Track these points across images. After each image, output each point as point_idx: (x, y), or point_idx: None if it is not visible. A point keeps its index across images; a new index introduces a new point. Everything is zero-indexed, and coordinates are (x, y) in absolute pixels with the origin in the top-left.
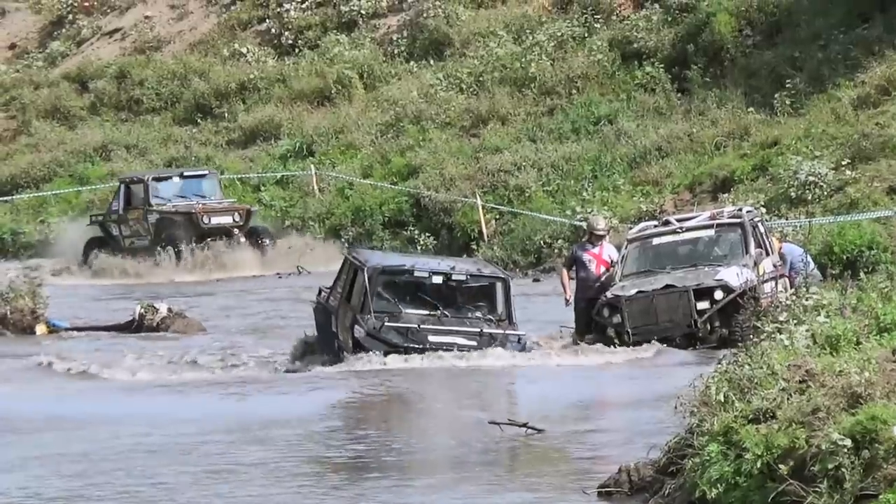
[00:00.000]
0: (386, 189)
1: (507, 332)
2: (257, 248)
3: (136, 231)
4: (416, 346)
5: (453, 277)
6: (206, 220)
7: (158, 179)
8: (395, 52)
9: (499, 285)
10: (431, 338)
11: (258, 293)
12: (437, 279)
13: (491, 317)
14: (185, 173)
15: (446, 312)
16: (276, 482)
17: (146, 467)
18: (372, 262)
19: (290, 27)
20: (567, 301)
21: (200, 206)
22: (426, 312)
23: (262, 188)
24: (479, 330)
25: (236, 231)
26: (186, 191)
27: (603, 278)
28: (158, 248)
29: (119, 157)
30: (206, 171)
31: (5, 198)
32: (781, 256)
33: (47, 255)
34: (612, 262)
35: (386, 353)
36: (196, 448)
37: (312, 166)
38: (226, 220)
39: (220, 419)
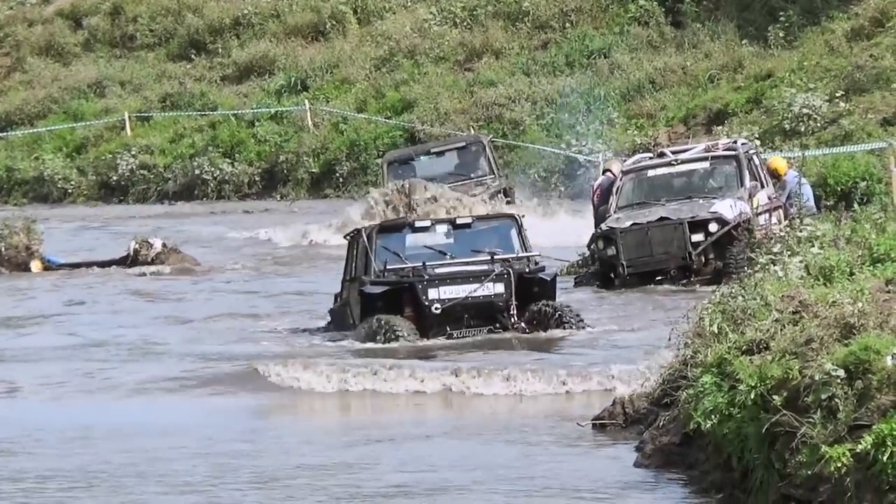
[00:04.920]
0: (380, 124)
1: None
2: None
3: None
4: (422, 279)
5: (458, 222)
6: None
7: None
8: None
9: (508, 223)
10: (439, 270)
11: None
12: (442, 227)
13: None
14: (433, 149)
15: (457, 258)
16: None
17: None
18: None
19: None
20: None
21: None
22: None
23: (257, 123)
24: (489, 256)
25: None
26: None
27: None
28: None
29: (113, 93)
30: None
31: (0, 134)
32: (783, 182)
33: None
34: None
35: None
36: None
37: (307, 101)
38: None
39: None
